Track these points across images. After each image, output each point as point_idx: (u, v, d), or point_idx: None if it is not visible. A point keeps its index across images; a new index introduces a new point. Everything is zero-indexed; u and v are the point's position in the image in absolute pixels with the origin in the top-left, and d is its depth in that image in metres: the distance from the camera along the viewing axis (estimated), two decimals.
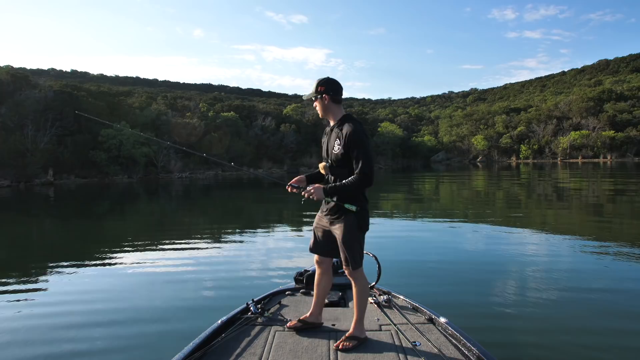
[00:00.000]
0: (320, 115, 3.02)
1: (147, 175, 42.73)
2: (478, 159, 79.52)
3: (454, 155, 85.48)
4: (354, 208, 2.79)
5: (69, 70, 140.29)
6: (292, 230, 11.43)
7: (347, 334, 2.92)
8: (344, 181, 2.80)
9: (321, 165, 3.09)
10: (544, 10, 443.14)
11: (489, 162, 75.10)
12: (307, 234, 10.36)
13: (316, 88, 2.94)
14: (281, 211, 16.15)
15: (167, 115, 52.76)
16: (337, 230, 2.91)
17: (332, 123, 3.01)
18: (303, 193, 2.90)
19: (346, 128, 2.81)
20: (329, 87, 2.93)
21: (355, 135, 2.77)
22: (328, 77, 2.97)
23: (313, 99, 2.98)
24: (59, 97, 41.55)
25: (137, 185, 33.06)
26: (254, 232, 11.00)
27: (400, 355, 2.72)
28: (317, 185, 2.88)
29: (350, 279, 2.99)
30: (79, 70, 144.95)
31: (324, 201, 2.97)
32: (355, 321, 2.95)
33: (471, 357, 2.69)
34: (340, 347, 2.83)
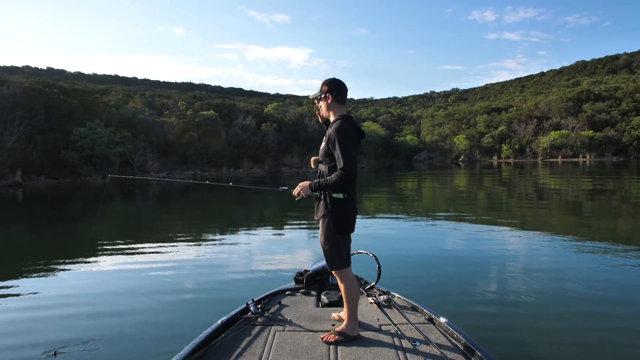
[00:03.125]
0: (323, 114, 3.13)
1: (122, 175, 41.33)
2: (460, 159, 79.79)
3: (436, 154, 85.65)
4: (341, 195, 2.85)
5: (44, 67, 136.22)
6: (292, 230, 11.21)
7: (336, 328, 2.97)
8: (327, 177, 2.86)
9: (312, 159, 3.16)
10: (523, 13, 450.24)
11: (471, 161, 75.51)
12: (306, 234, 10.38)
13: (321, 88, 3.05)
14: (277, 211, 15.77)
15: (144, 113, 51.35)
16: (319, 231, 3.00)
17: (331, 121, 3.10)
18: (293, 193, 3.00)
19: (333, 127, 2.90)
20: (332, 87, 3.02)
21: (336, 133, 2.83)
22: (333, 78, 3.07)
23: (318, 98, 3.09)
24: (28, 94, 39.90)
25: (112, 186, 31.81)
26: (253, 233, 10.79)
27: (400, 355, 2.70)
28: (302, 183, 2.94)
29: (336, 278, 3.05)
30: (55, 67, 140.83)
31: (315, 203, 3.07)
32: (346, 319, 2.98)
33: (471, 357, 2.66)
34: (324, 339, 2.88)
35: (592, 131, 68.27)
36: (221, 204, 19.30)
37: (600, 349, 3.84)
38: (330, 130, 2.91)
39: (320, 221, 2.97)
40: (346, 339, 2.89)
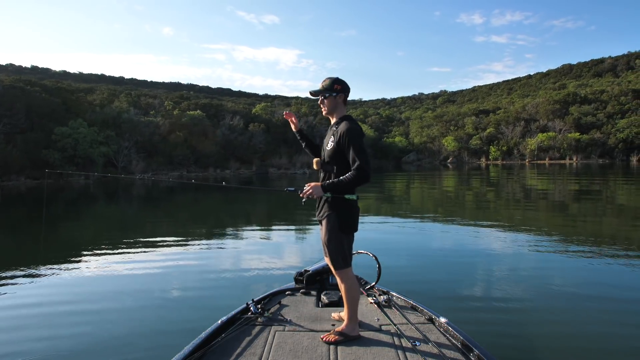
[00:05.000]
0: (324, 113, 3.08)
1: (106, 176, 40.41)
2: (449, 160, 79.94)
3: (425, 156, 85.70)
4: (354, 197, 2.85)
5: (29, 66, 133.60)
6: (292, 230, 11.14)
7: (336, 329, 2.96)
8: (341, 177, 2.82)
9: (315, 160, 3.10)
10: (510, 16, 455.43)
11: (459, 163, 75.65)
12: (306, 234, 10.37)
13: (332, 85, 3.00)
14: (272, 211, 15.67)
15: (129, 113, 50.41)
16: (322, 229, 2.97)
17: (332, 122, 3.08)
18: (301, 194, 2.93)
19: (342, 126, 2.88)
20: (344, 87, 3.04)
21: (349, 133, 2.82)
22: (341, 79, 3.04)
23: (327, 95, 3.01)
24: (9, 92, 38.84)
25: (95, 187, 31.03)
26: (252, 233, 10.71)
27: (400, 355, 2.70)
28: (313, 183, 2.89)
29: (337, 278, 3.02)
30: (40, 66, 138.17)
31: (317, 202, 3.03)
32: (346, 319, 2.97)
33: (471, 357, 2.66)
34: (324, 339, 2.88)
35: (578, 133, 68.83)
36: (211, 205, 18.89)
37: (600, 351, 3.82)
38: (340, 130, 2.87)
39: (325, 220, 2.93)
40: (346, 339, 2.89)
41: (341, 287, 3.01)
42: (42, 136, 37.22)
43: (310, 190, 2.86)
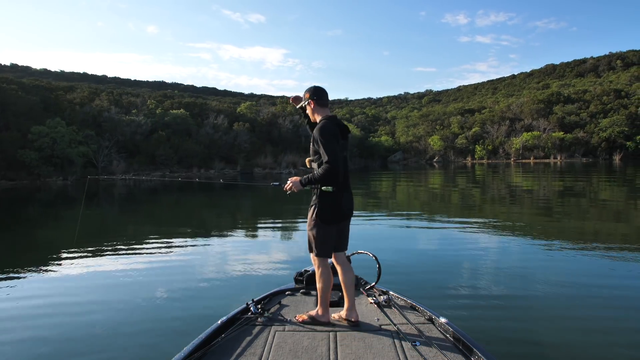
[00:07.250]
0: (311, 118, 3.40)
1: (86, 176, 39.30)
2: (435, 159, 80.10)
3: (411, 155, 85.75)
4: (330, 188, 3.08)
5: (8, 64, 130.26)
6: (291, 230, 11.17)
7: (308, 312, 3.28)
8: (314, 172, 3.11)
9: (307, 160, 3.32)
10: (494, 17, 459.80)
11: (445, 162, 75.88)
12: (306, 234, 9.87)
13: (304, 96, 3.39)
14: (273, 211, 15.72)
15: (110, 112, 49.25)
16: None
17: None
18: (285, 188, 3.23)
19: (316, 127, 3.18)
20: (313, 94, 3.33)
21: (317, 132, 3.12)
22: (313, 86, 3.38)
23: (304, 107, 3.41)
24: None
25: (74, 188, 30.10)
26: (252, 233, 10.77)
27: (400, 355, 2.71)
28: (293, 178, 3.19)
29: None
30: (19, 64, 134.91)
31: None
32: (318, 304, 3.22)
33: (471, 357, 2.66)
34: (298, 318, 3.21)
35: (562, 132, 69.51)
36: (200, 205, 18.54)
37: (603, 350, 3.80)
38: (314, 131, 3.17)
39: (310, 210, 3.22)
40: (313, 322, 3.17)
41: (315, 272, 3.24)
42: (18, 136, 36.01)
43: (291, 185, 3.18)
